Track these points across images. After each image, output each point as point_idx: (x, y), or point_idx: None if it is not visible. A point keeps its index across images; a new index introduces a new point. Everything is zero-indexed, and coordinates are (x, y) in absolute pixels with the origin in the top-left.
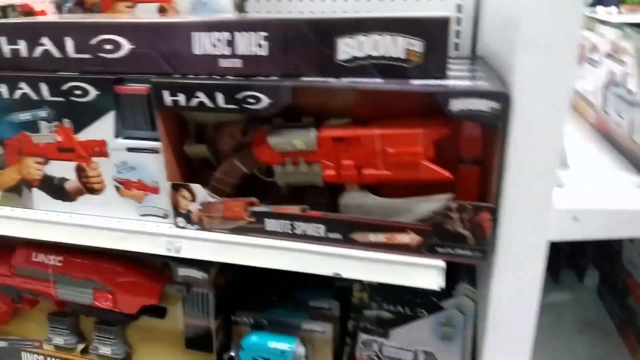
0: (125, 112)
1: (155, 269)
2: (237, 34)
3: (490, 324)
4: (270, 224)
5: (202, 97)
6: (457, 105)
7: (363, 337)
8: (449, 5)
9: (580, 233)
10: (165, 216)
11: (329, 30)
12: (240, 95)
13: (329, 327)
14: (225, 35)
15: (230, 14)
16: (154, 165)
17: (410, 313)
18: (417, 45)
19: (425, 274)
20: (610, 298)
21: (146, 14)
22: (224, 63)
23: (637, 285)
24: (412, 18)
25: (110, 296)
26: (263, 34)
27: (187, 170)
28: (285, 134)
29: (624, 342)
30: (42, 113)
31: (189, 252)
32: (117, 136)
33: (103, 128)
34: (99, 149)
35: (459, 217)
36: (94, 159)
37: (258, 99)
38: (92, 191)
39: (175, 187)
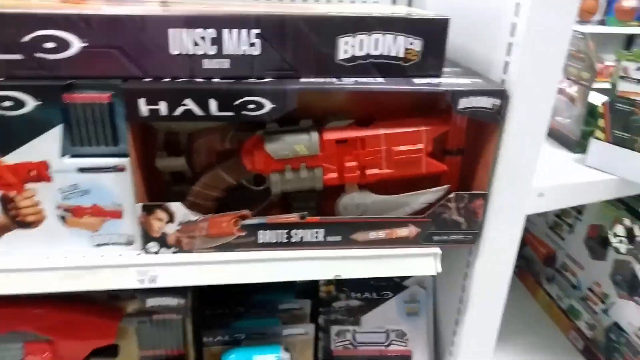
0: (75, 125)
1: (102, 303)
2: (224, 31)
3: (473, 293)
4: (264, 236)
5: (190, 104)
6: (464, 103)
7: (335, 329)
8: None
9: (545, 206)
10: (129, 243)
11: (331, 28)
12: (238, 101)
13: (311, 327)
14: (210, 32)
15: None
16: (114, 186)
17: (377, 297)
18: (416, 44)
19: (424, 262)
20: None
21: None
22: (208, 64)
23: (534, 237)
24: (416, 18)
25: (47, 346)
26: (255, 31)
27: (153, 187)
28: (284, 139)
29: (524, 285)
30: None
31: (167, 280)
32: (63, 155)
33: (44, 147)
34: (37, 172)
35: (455, 206)
36: (29, 185)
37: (260, 105)
38: (25, 225)
39: (148, 209)
